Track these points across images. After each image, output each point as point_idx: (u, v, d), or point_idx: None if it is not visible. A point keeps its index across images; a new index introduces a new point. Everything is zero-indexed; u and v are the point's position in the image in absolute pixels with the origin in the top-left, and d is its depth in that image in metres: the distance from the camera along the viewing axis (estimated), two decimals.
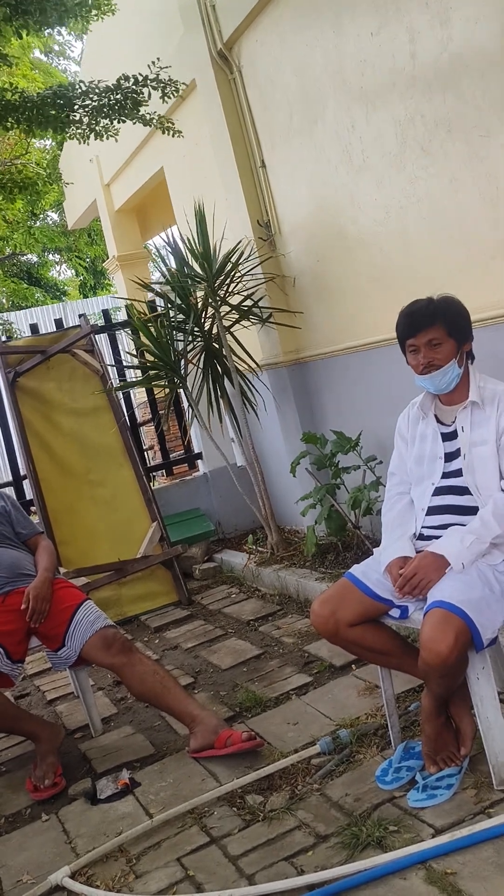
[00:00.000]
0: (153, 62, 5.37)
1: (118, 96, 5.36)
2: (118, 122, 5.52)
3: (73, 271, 19.42)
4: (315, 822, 2.47)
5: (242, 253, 5.14)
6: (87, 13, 5.38)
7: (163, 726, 3.43)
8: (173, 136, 5.73)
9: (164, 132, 5.70)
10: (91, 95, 5.37)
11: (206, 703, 3.47)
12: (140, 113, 5.50)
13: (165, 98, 5.46)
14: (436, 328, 2.59)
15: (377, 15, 4.04)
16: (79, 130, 5.53)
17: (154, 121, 5.58)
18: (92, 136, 5.58)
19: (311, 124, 4.76)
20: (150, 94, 5.45)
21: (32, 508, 5.57)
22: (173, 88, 5.43)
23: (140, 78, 5.34)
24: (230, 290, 5.14)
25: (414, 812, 2.38)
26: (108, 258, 9.88)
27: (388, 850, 2.22)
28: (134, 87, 5.34)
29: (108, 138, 5.69)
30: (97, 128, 5.52)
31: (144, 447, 6.90)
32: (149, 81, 5.34)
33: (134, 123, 5.59)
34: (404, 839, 2.26)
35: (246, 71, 5.30)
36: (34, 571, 3.47)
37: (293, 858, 2.32)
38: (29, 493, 5.75)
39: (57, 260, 18.93)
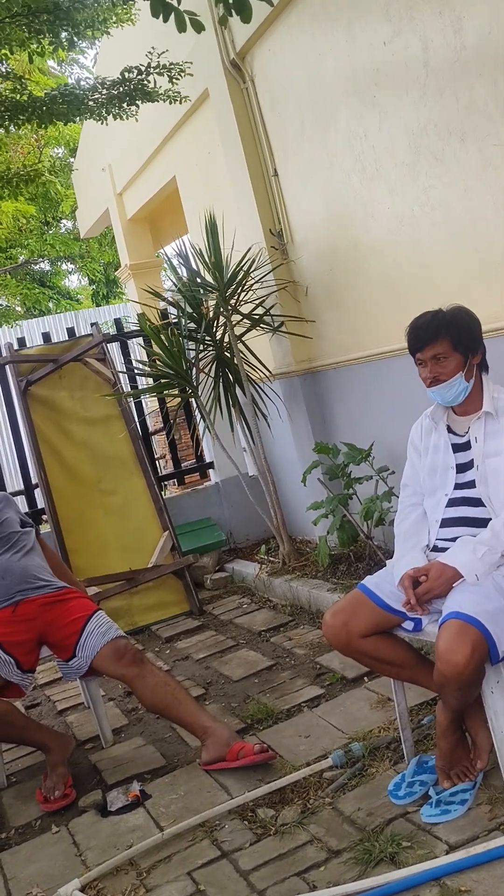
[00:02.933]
0: (151, 49, 5.38)
1: (127, 87, 5.39)
2: (130, 106, 5.54)
3: (86, 279, 19.51)
4: (327, 836, 2.45)
5: (254, 262, 5.14)
6: (104, 23, 5.41)
7: (174, 738, 3.41)
8: (181, 102, 5.72)
9: (171, 103, 5.70)
10: (100, 90, 5.40)
11: (217, 714, 3.45)
12: (150, 97, 5.53)
13: (173, 81, 5.47)
14: (440, 343, 2.58)
15: (390, 23, 4.04)
16: (92, 116, 5.56)
17: (162, 96, 5.60)
18: (110, 117, 5.61)
19: (324, 133, 4.75)
20: (155, 82, 5.47)
21: (44, 517, 5.58)
22: (178, 70, 5.44)
23: (143, 67, 5.37)
24: (242, 298, 5.13)
25: (427, 827, 2.36)
26: (119, 266, 9.90)
27: (402, 867, 2.19)
28: (139, 77, 5.37)
29: (127, 118, 5.71)
30: (114, 111, 5.54)
31: (156, 456, 6.89)
32: (152, 69, 5.37)
33: (142, 103, 5.61)
34: (418, 855, 2.23)
35: (258, 80, 5.31)
36: (45, 578, 3.46)
37: (305, 874, 2.30)
38: (40, 502, 5.75)
39: (71, 269, 19.01)
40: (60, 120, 5.40)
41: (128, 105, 5.53)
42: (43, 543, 3.83)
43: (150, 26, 6.18)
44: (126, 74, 5.41)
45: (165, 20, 3.27)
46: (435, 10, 3.75)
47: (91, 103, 5.44)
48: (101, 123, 5.78)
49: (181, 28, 3.33)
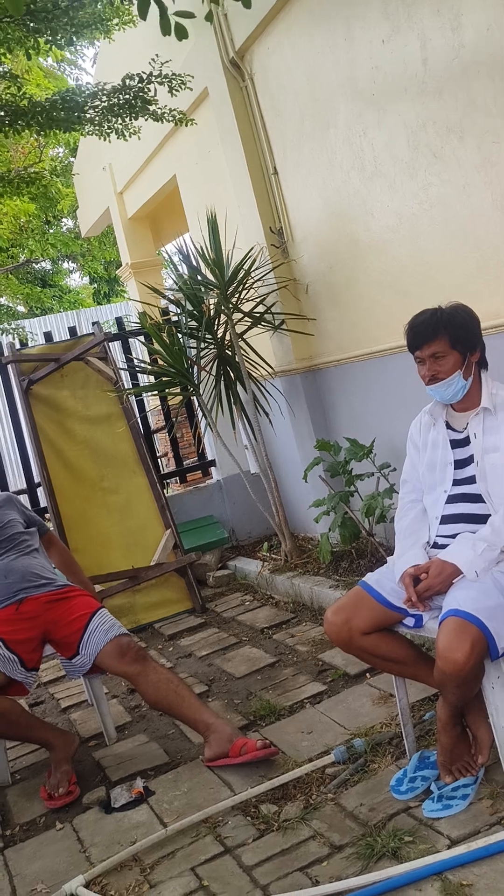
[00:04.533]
0: (154, 57, 5.38)
1: (127, 96, 5.38)
2: (132, 119, 5.54)
3: (87, 278, 19.53)
4: (330, 832, 2.46)
5: (255, 260, 5.14)
6: (105, 24, 5.40)
7: (177, 735, 3.42)
8: (187, 125, 5.74)
9: (177, 124, 5.72)
10: (100, 96, 5.40)
11: (220, 711, 3.47)
12: (151, 109, 5.53)
13: (173, 92, 5.47)
14: (438, 341, 2.59)
15: (388, 22, 4.04)
16: (94, 129, 5.56)
17: (166, 115, 5.60)
18: (113, 134, 5.61)
19: (323, 131, 4.76)
20: (156, 91, 5.47)
21: (47, 515, 5.60)
22: (179, 82, 5.44)
23: (144, 76, 5.37)
24: (242, 296, 5.14)
25: (429, 822, 2.37)
26: (121, 265, 9.92)
27: (404, 861, 2.20)
28: (140, 85, 5.37)
29: (131, 136, 5.71)
30: (116, 125, 5.54)
31: (158, 454, 6.90)
32: (153, 78, 5.37)
33: (146, 119, 5.61)
34: (419, 850, 2.25)
35: (258, 78, 5.31)
36: (47, 575, 3.48)
37: (308, 869, 2.31)
38: (43, 501, 5.77)
39: (72, 269, 19.02)
40: (60, 128, 5.38)
41: (130, 118, 5.52)
42: (54, 539, 3.87)
43: (149, 27, 6.21)
44: (127, 81, 5.40)
45: (160, 20, 3.24)
46: (433, 8, 3.75)
47: (90, 111, 5.43)
48: (103, 140, 5.78)
49: (165, 32, 3.28)
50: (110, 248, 15.45)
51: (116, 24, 5.69)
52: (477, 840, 2.20)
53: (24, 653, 3.23)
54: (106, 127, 5.54)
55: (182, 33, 3.39)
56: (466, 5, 3.59)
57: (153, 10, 3.22)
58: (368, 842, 2.32)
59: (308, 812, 2.59)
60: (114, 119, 5.48)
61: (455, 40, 3.69)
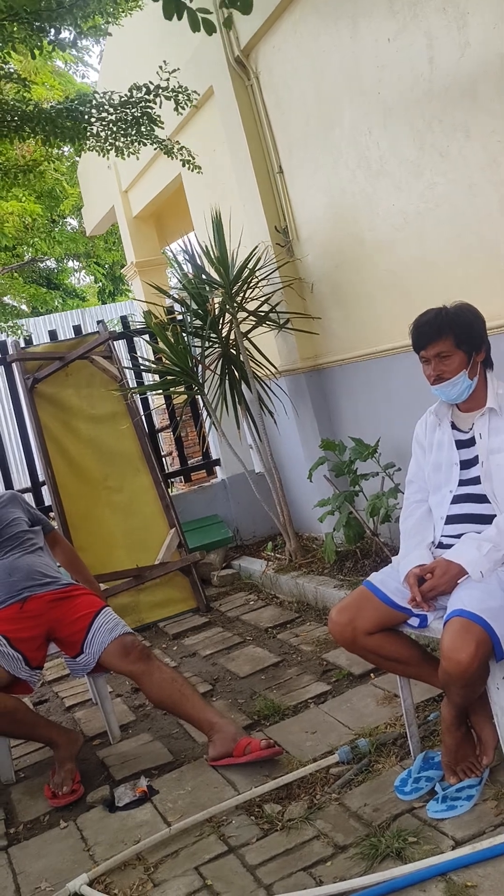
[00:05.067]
0: (161, 65, 5.37)
1: (134, 111, 5.37)
2: (138, 144, 5.54)
3: (92, 277, 19.53)
4: (333, 832, 2.46)
5: (259, 259, 5.14)
6: (111, 15, 5.39)
7: (181, 734, 3.42)
8: (192, 170, 5.75)
9: (184, 165, 5.73)
10: (107, 108, 5.38)
11: (224, 710, 3.46)
12: (163, 140, 5.52)
13: (179, 108, 5.47)
14: (443, 341, 2.58)
15: (395, 20, 4.04)
16: (98, 144, 5.55)
17: (174, 151, 5.61)
18: (113, 151, 5.61)
19: (329, 130, 4.75)
20: (161, 104, 5.46)
21: (51, 514, 5.60)
22: (186, 97, 5.44)
23: (151, 87, 5.35)
24: (247, 296, 5.14)
25: (433, 823, 2.37)
26: (126, 264, 9.91)
27: (408, 862, 2.20)
28: (146, 97, 5.36)
29: (129, 156, 5.71)
30: (118, 143, 5.53)
31: (162, 453, 6.90)
32: (161, 91, 5.35)
33: (155, 149, 5.61)
34: (423, 851, 2.24)
35: (263, 77, 5.31)
36: (51, 574, 3.48)
37: (311, 869, 2.31)
38: (47, 499, 5.78)
39: (76, 267, 19.02)
40: (66, 137, 5.37)
41: (138, 144, 5.50)
42: (58, 537, 3.88)
43: (155, 27, 6.20)
44: (134, 93, 5.38)
45: (179, 18, 3.27)
46: (439, 6, 3.75)
47: (97, 124, 5.41)
48: (103, 156, 5.77)
49: (195, 28, 3.33)
50: (115, 250, 15.45)
51: (123, 11, 5.67)
52: (482, 841, 2.20)
53: (28, 651, 3.23)
54: (107, 144, 5.53)
55: (210, 28, 3.46)
56: (472, 3, 3.58)
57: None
58: (372, 842, 2.32)
59: (312, 812, 2.59)
60: (122, 138, 5.46)
61: (461, 38, 3.68)
